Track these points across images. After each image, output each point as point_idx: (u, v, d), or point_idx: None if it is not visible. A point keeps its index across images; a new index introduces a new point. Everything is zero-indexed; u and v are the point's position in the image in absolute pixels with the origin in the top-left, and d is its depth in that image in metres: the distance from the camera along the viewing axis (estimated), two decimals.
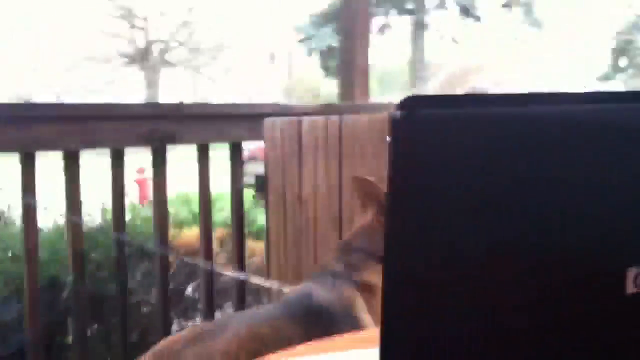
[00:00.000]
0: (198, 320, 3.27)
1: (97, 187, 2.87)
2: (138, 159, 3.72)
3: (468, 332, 0.57)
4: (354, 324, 1.66)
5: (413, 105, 0.49)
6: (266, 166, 2.56)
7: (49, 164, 2.56)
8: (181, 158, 3.29)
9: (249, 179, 2.90)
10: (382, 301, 0.54)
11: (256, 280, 2.62)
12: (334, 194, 2.39)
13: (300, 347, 1.09)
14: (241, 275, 2.74)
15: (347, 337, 1.17)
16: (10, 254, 2.69)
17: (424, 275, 0.54)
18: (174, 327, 2.97)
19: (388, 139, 0.51)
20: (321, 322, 1.67)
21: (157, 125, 2.53)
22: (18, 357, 2.56)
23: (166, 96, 23.76)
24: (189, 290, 3.32)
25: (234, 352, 1.51)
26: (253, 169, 3.53)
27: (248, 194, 3.13)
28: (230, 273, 2.75)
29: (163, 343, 1.57)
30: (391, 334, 0.54)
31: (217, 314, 3.03)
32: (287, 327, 1.63)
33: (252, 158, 7.14)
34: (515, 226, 0.55)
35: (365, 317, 1.77)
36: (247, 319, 1.68)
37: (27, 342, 2.32)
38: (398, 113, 0.49)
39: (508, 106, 0.54)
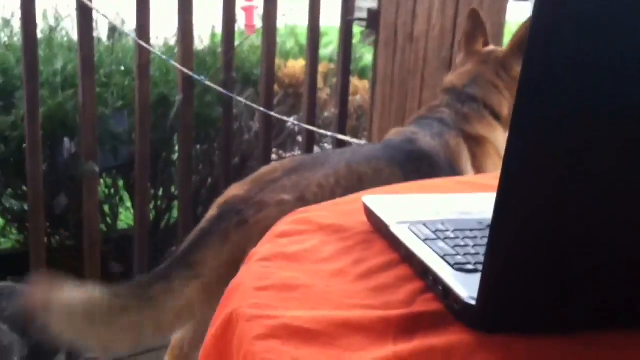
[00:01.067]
0: (297, 152, 3.34)
1: (207, 11, 2.87)
2: None
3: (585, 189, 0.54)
4: (456, 175, 1.64)
5: None
6: (379, 0, 2.47)
7: None
8: None
9: (358, 13, 2.81)
10: (509, 139, 0.51)
11: (353, 139, 2.60)
12: (447, 34, 2.30)
13: (398, 186, 1.08)
14: (339, 136, 2.73)
15: (449, 179, 1.15)
16: (122, 69, 2.76)
17: (556, 114, 0.50)
18: (273, 156, 3.04)
19: None
20: (422, 169, 1.66)
21: None
22: (127, 168, 2.71)
23: None
24: (290, 122, 3.36)
25: (330, 186, 1.52)
26: (363, 4, 3.42)
27: (355, 30, 3.06)
28: (329, 133, 2.75)
29: (262, 170, 1.59)
30: (512, 179, 0.52)
31: (316, 149, 3.07)
32: (386, 169, 1.62)
33: None
34: None
35: (469, 169, 1.75)
36: (348, 156, 1.66)
37: (136, 155, 2.43)
38: None
39: None
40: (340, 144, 2.74)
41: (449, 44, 2.31)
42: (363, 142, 2.39)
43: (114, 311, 1.35)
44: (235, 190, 1.51)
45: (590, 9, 0.47)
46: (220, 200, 1.50)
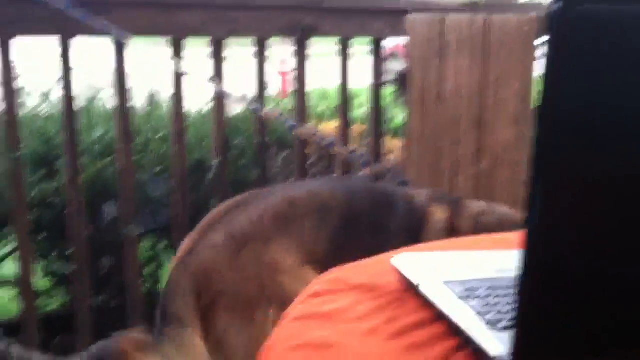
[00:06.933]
0: None
1: (240, 77, 2.95)
2: (282, 51, 3.78)
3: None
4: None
5: None
6: (408, 63, 2.51)
7: (193, 55, 2.64)
8: (320, 54, 3.29)
9: (388, 76, 2.87)
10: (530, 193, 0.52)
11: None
12: (476, 94, 2.32)
13: (429, 244, 1.09)
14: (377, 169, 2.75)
15: (485, 237, 1.15)
16: (158, 135, 2.82)
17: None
18: None
19: (539, 40, 0.47)
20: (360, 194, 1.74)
21: (299, 17, 2.54)
22: (165, 231, 2.74)
23: None
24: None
25: (259, 212, 1.60)
26: (392, 67, 3.47)
27: (387, 91, 3.11)
28: (365, 171, 2.77)
29: (220, 207, 1.69)
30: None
31: None
32: (324, 193, 1.68)
33: (392, 55, 7.06)
34: None
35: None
36: (290, 187, 1.78)
37: (173, 218, 2.47)
38: (556, 6, 0.46)
39: None
40: None
41: (478, 104, 2.33)
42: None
43: None
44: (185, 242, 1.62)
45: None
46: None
